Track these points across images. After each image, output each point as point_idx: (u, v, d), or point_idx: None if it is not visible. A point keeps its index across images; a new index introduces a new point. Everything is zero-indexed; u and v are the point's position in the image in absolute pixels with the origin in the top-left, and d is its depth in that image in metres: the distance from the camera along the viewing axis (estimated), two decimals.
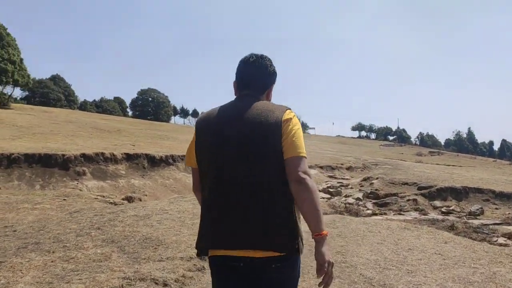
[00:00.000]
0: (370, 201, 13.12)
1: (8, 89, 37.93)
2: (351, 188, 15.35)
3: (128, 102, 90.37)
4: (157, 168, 14.66)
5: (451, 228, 8.47)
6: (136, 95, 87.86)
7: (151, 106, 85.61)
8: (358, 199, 13.26)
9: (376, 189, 14.12)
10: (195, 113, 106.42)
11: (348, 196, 13.74)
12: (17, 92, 69.37)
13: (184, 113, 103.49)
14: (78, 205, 8.59)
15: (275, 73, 2.25)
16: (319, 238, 1.87)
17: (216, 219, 2.02)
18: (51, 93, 75.58)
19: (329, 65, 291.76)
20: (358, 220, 8.71)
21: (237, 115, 2.05)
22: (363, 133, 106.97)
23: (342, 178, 17.97)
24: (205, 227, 2.09)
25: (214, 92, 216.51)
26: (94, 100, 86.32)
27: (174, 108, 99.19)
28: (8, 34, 37.50)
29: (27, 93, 78.11)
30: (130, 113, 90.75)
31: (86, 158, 12.81)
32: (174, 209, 7.62)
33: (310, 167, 18.73)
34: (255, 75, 2.19)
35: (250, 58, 2.21)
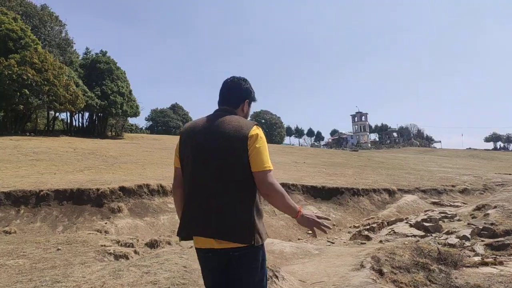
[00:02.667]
0: (482, 241, 9.32)
1: (134, 120, 40.25)
2: (458, 220, 11.48)
3: None
4: None
5: None
6: (250, 119, 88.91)
7: (264, 128, 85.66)
8: (463, 237, 9.54)
9: (492, 223, 10.15)
10: (310, 133, 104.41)
11: (451, 233, 10.06)
12: (143, 123, 74.51)
13: (298, 132, 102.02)
14: (61, 259, 6.77)
15: (248, 90, 2.67)
16: (298, 218, 2.46)
17: (189, 211, 2.45)
18: (171, 121, 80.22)
19: (461, 72, 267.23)
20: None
21: (212, 127, 2.44)
22: (500, 144, 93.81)
23: (450, 205, 13.97)
24: (183, 217, 2.51)
25: (325, 108, 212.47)
26: None
27: (288, 128, 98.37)
28: (118, 68, 39.67)
29: (151, 123, 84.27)
30: None
31: (126, 192, 11.25)
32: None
33: (408, 192, 15.07)
34: (230, 93, 2.63)
35: (228, 80, 2.68)
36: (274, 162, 22.58)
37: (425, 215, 12.43)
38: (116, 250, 7.60)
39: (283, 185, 13.88)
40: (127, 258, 7.58)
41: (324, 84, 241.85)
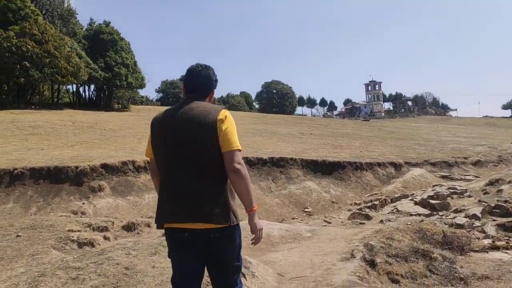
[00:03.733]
0: (493, 220, 8.39)
1: (145, 92, 39.68)
2: (469, 197, 10.51)
3: (253, 96, 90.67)
4: None
5: None
6: (261, 89, 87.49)
7: (275, 99, 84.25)
8: (473, 217, 8.63)
9: (506, 201, 9.16)
10: (323, 102, 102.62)
11: (460, 212, 9.14)
12: (153, 94, 73.91)
13: (311, 102, 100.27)
14: (14, 248, 6.09)
15: (217, 81, 2.70)
16: (251, 213, 2.46)
17: (166, 199, 2.47)
18: (181, 93, 79.17)
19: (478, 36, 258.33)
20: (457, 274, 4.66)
21: (183, 115, 2.44)
22: None
23: (461, 179, 12.94)
24: (159, 205, 2.51)
25: (338, 77, 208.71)
26: (222, 96, 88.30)
27: (300, 98, 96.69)
28: (121, 39, 38.64)
29: (161, 94, 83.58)
30: (256, 106, 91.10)
31: (109, 169, 10.51)
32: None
33: (416, 165, 14.08)
34: (200, 82, 2.61)
35: (196, 68, 2.63)
36: (281, 134, 21.71)
37: (432, 191, 11.50)
38: (81, 237, 6.89)
39: (281, 159, 13.04)
40: (93, 246, 6.89)
41: (337, 52, 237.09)
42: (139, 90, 43.18)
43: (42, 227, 7.32)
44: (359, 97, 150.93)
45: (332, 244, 7.34)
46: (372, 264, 6.00)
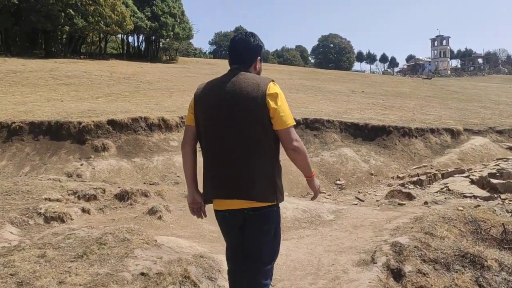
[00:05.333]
0: None
1: (198, 44, 38.78)
2: None
3: (309, 50, 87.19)
4: None
5: None
6: (317, 42, 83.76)
7: (332, 53, 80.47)
8: None
9: None
10: (383, 58, 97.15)
11: None
12: (207, 47, 72.95)
13: (370, 58, 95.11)
14: None
15: (259, 46, 2.52)
16: (310, 179, 2.50)
17: (215, 176, 2.40)
18: None
19: None
20: None
21: (228, 88, 2.35)
22: None
23: None
24: (205, 182, 2.46)
25: (401, 31, 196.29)
26: (276, 50, 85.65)
27: (359, 53, 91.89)
28: None
29: (214, 47, 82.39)
30: (312, 61, 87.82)
31: (117, 126, 9.42)
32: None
33: (478, 133, 11.90)
34: (241, 51, 2.48)
35: (236, 37, 2.54)
36: (328, 91, 19.76)
37: (495, 166, 9.50)
38: (50, 209, 5.81)
39: (316, 121, 11.43)
40: (63, 221, 5.81)
41: (401, 3, 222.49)
42: (193, 42, 42.02)
43: (18, 193, 6.35)
44: (424, 53, 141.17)
45: (354, 235, 5.83)
46: (398, 274, 4.50)
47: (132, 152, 9.11)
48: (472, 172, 9.06)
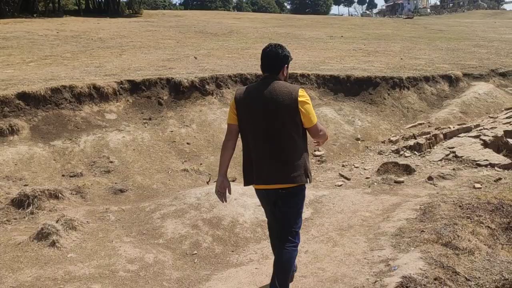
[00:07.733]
0: None
1: None
2: None
3: None
4: (181, 103, 8.50)
5: None
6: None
7: None
8: None
9: None
10: (361, 0, 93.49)
11: None
12: None
13: (348, 1, 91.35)
14: None
15: (286, 56, 3.07)
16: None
17: (254, 163, 3.01)
18: None
19: None
20: None
21: (266, 94, 2.94)
22: None
23: None
24: (246, 168, 3.08)
25: None
26: None
27: None
28: None
29: None
30: (288, 7, 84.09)
31: (31, 101, 7.30)
32: None
33: (480, 77, 10.06)
34: (270, 61, 3.05)
35: (267, 49, 3.07)
36: (303, 38, 17.29)
37: (507, 118, 7.74)
38: None
39: (291, 75, 9.41)
40: None
41: None
42: None
43: None
44: None
45: (340, 250, 4.03)
46: None
47: (52, 133, 7.06)
48: (482, 129, 7.29)
